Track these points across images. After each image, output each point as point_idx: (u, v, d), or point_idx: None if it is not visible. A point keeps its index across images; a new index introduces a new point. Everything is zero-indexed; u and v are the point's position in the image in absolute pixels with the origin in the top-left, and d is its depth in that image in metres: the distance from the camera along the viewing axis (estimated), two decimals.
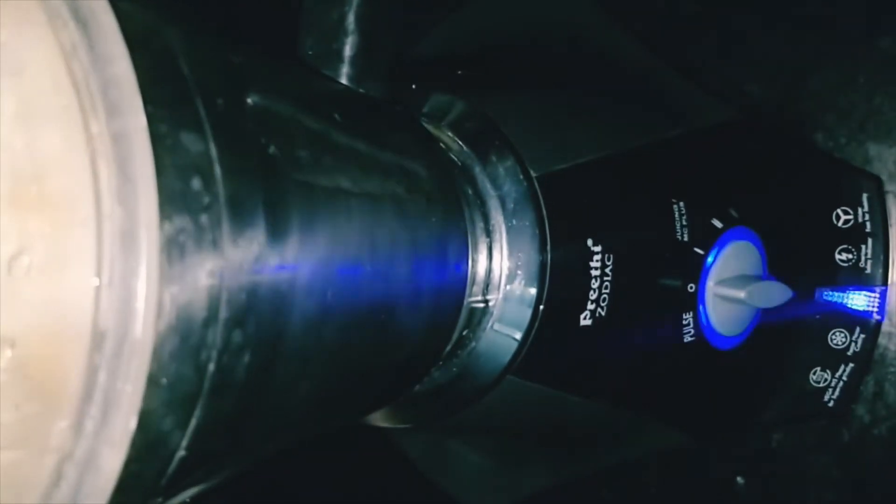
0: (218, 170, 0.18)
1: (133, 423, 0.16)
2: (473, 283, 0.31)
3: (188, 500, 0.22)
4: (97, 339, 0.16)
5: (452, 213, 0.30)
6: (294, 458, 0.30)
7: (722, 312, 0.38)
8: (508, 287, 0.31)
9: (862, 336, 0.42)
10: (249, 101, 0.21)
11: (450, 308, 0.31)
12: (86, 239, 0.16)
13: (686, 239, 0.37)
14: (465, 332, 0.32)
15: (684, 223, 0.36)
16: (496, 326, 0.32)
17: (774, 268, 0.40)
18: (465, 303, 0.31)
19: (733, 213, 0.39)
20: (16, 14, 0.18)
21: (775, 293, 0.39)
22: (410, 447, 0.49)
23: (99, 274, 0.16)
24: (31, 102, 0.16)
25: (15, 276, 0.16)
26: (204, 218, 0.18)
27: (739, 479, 0.47)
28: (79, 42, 0.16)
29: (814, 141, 0.43)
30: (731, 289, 0.38)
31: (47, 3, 0.17)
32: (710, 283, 0.38)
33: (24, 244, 0.16)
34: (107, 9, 0.17)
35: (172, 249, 0.17)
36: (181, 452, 0.19)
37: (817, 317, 0.42)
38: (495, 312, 0.32)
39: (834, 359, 0.43)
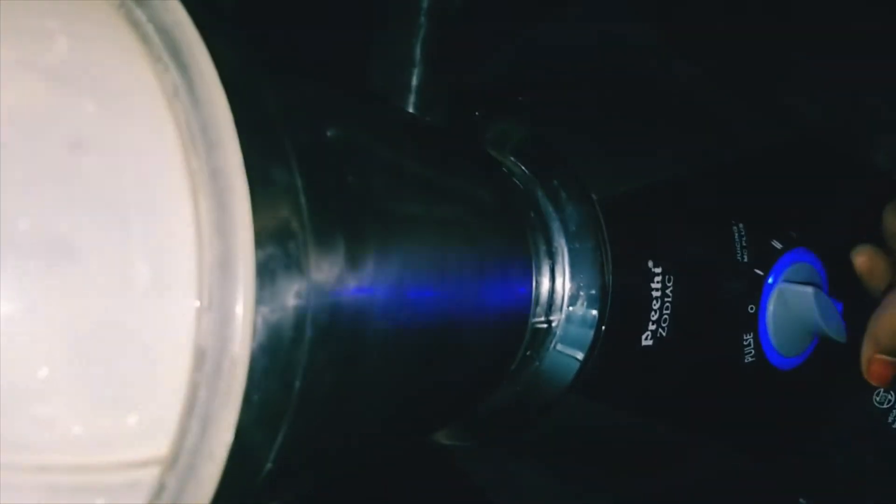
0: (303, 199, 0.20)
1: (230, 438, 0.17)
2: (537, 304, 0.32)
3: None
4: (198, 358, 0.17)
5: (516, 236, 0.31)
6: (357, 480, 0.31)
7: (783, 333, 0.38)
8: (571, 308, 0.32)
9: None
10: (329, 133, 0.23)
11: (514, 329, 0.31)
12: (187, 267, 0.17)
13: (746, 260, 0.37)
14: (528, 353, 0.33)
15: (744, 244, 0.37)
16: (559, 347, 0.32)
17: (835, 288, 0.40)
18: (529, 323, 0.32)
19: (793, 234, 0.39)
20: (118, 56, 0.19)
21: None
22: (473, 468, 0.49)
23: (200, 298, 0.17)
24: (136, 143, 0.18)
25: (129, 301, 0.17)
26: (292, 244, 0.19)
27: (802, 501, 0.46)
28: (180, 85, 0.18)
29: (873, 161, 0.43)
30: None
31: (149, 48, 0.18)
32: (771, 304, 0.38)
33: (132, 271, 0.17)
34: (204, 52, 0.18)
35: (264, 275, 0.18)
36: (268, 465, 0.20)
37: None
38: (558, 333, 0.32)
39: None
